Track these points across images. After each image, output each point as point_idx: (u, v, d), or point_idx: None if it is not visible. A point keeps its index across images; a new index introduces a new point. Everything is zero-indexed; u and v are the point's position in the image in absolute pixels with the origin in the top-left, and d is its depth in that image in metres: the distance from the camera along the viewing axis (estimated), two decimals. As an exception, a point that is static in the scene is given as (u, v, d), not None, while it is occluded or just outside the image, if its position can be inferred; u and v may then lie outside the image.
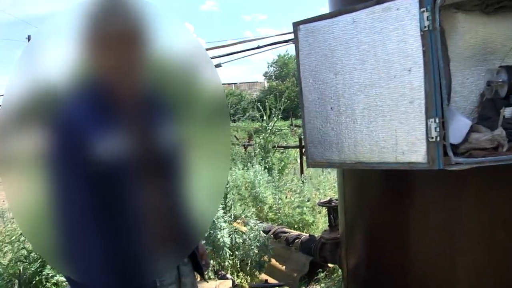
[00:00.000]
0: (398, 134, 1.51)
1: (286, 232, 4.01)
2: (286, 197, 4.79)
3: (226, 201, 4.56)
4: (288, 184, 5.08)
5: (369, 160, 1.61)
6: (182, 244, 1.12)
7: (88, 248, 0.98)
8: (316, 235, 3.60)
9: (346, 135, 1.67)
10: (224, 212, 4.35)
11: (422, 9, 1.40)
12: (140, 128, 1.00)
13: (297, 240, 3.73)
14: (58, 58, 0.96)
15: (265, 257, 3.84)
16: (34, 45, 0.99)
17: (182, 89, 1.10)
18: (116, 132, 0.96)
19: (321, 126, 1.77)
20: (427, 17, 1.39)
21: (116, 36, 0.96)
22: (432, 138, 1.42)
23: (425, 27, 1.41)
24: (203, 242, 3.95)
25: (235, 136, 13.20)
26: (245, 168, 6.71)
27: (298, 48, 1.83)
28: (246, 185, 5.58)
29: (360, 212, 2.21)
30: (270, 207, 4.82)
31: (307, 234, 3.73)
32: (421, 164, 1.46)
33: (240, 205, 4.83)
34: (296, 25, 1.83)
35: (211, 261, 3.89)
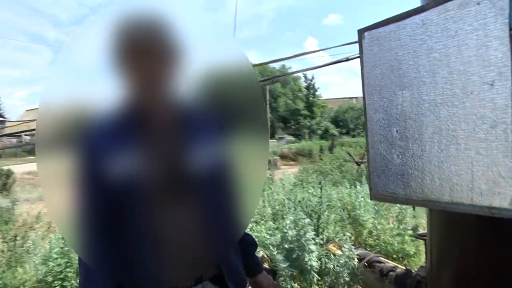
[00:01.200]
0: (475, 168, 1.14)
1: (381, 262, 3.59)
2: (387, 223, 4.32)
3: (319, 222, 4.31)
4: (391, 208, 4.58)
5: (438, 199, 1.26)
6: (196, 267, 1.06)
7: (102, 266, 0.97)
8: (413, 270, 3.13)
9: (413, 165, 1.35)
10: (315, 234, 4.11)
11: None
12: (175, 148, 0.96)
13: (391, 273, 3.29)
14: (90, 73, 0.95)
15: (356, 287, 3.49)
16: (66, 59, 0.97)
17: (226, 105, 1.04)
18: (148, 152, 0.93)
19: (386, 153, 1.47)
20: (518, 11, 1.03)
21: (149, 52, 0.93)
22: (524, 176, 1.03)
23: (515, 25, 1.04)
24: (287, 263, 3.78)
25: (348, 153, 12.72)
26: (352, 187, 6.34)
27: (363, 60, 1.56)
28: (348, 206, 5.24)
29: (447, 252, 1.80)
30: (370, 232, 4.41)
31: (404, 268, 3.27)
32: (506, 211, 1.07)
33: (336, 227, 4.53)
34: (361, 32, 1.56)
35: (296, 285, 3.68)
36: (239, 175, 1.05)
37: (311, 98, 46.88)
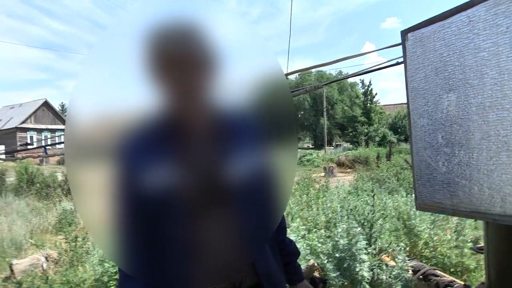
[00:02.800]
0: (529, 177, 1.04)
1: (437, 276, 3.37)
2: (445, 234, 4.06)
3: (371, 232, 4.15)
4: (449, 219, 4.30)
5: (488, 210, 1.16)
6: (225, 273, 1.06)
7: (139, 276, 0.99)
8: (472, 286, 2.90)
9: (460, 174, 1.25)
10: (367, 243, 3.97)
11: None
12: (211, 159, 0.94)
13: None
14: (124, 83, 0.94)
15: (410, 301, 3.31)
16: (96, 66, 0.96)
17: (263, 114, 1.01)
18: (184, 163, 0.92)
19: (430, 160, 1.37)
20: None
21: (185, 61, 0.91)
22: None
23: None
24: (338, 273, 3.67)
25: (405, 160, 12.18)
26: (409, 195, 6.07)
27: (406, 62, 1.48)
28: (403, 215, 5.01)
29: (508, 268, 1.64)
30: (426, 243, 4.17)
31: (462, 283, 3.05)
32: None
33: (390, 237, 4.33)
34: (404, 33, 1.48)
35: (346, 296, 3.57)
36: (277, 185, 1.04)
37: (368, 105, 45.66)
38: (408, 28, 1.47)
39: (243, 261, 1.08)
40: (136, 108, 0.91)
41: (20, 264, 5.35)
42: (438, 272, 3.49)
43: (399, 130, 40.75)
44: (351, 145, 40.12)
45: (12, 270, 5.30)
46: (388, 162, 15.43)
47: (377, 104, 46.52)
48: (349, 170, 21.56)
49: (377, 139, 38.68)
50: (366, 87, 46.21)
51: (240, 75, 0.96)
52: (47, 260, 5.51)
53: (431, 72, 1.35)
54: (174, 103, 0.90)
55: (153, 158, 0.90)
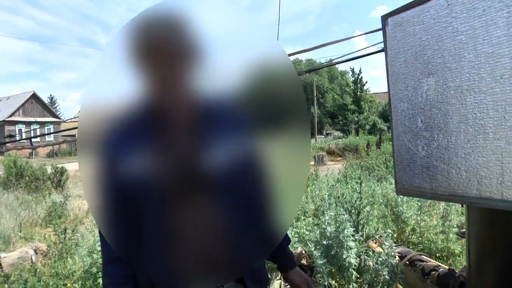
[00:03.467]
0: (505, 159, 1.04)
1: (423, 261, 3.41)
2: (431, 219, 4.10)
3: (359, 219, 4.19)
4: (435, 205, 4.35)
5: (465, 194, 1.16)
6: (223, 272, 1.02)
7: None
8: (457, 270, 2.95)
9: (438, 157, 1.25)
10: (354, 230, 4.00)
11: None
12: (192, 147, 0.94)
13: (433, 272, 3.11)
14: (112, 73, 0.96)
15: (396, 285, 3.36)
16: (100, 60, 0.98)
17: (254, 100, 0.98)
18: (164, 151, 0.93)
19: (410, 144, 1.38)
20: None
21: (167, 51, 0.91)
22: (562, 168, 0.93)
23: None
24: (325, 260, 3.71)
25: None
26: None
27: (387, 47, 1.47)
28: (392, 202, 5.05)
29: (489, 250, 1.67)
30: (413, 229, 4.21)
31: (447, 267, 3.09)
32: (539, 206, 0.97)
33: (378, 223, 4.38)
34: (384, 18, 1.48)
35: (333, 282, 3.61)
36: (272, 176, 0.99)
37: (358, 93, 45.74)
38: (388, 13, 1.46)
39: (225, 255, 1.01)
40: (118, 98, 0.92)
41: (9, 258, 5.30)
42: (424, 257, 3.53)
43: (389, 118, 40.95)
44: (341, 134, 40.25)
45: (0, 264, 5.26)
46: (378, 150, 15.52)
47: (368, 92, 46.63)
48: (339, 158, 21.65)
49: (367, 127, 38.88)
50: (356, 76, 46.28)
51: (226, 63, 0.95)
52: (36, 253, 5.48)
53: (410, 56, 1.35)
54: (155, 93, 0.90)
55: (134, 146, 0.91)
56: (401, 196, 4.60)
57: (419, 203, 4.26)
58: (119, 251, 1.00)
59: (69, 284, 3.86)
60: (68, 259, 4.56)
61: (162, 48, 0.90)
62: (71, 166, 14.07)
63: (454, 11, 1.17)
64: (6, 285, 4.14)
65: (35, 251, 5.50)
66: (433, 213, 4.23)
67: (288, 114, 0.98)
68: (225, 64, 0.95)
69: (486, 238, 1.70)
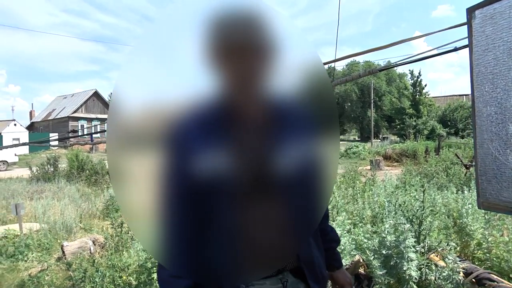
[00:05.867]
0: None
1: (493, 281, 3.12)
2: (501, 234, 3.76)
3: (420, 229, 3.94)
4: (506, 219, 3.98)
5: None
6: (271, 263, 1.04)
7: (186, 265, 0.98)
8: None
9: (535, 169, 1.09)
10: (415, 241, 3.78)
11: None
12: (264, 147, 0.95)
13: (506, 295, 2.84)
14: (181, 69, 0.94)
15: (459, 306, 3.11)
16: (147, 53, 0.96)
17: (315, 104, 1.02)
18: (237, 150, 0.93)
19: (498, 153, 1.22)
20: None
21: (245, 50, 0.92)
22: None
23: None
24: (384, 271, 3.52)
25: (455, 154, 11.57)
26: (459, 192, 5.75)
27: (472, 44, 1.32)
28: (454, 213, 4.72)
29: None
30: (479, 244, 3.89)
31: (522, 291, 2.80)
32: None
33: (439, 235, 4.10)
34: (470, 11, 1.33)
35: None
36: (323, 178, 1.04)
37: (417, 96, 43.91)
38: (476, 4, 1.31)
39: (289, 252, 1.06)
40: (191, 94, 0.91)
41: (70, 246, 5.58)
42: (494, 276, 3.24)
43: (449, 123, 38.92)
44: (398, 138, 38.87)
45: (63, 252, 5.55)
46: (437, 156, 14.77)
47: (426, 96, 44.65)
48: (396, 163, 20.88)
49: (426, 132, 37.19)
50: (415, 78, 44.44)
51: (291, 65, 0.97)
52: (94, 244, 5.72)
53: (502, 53, 1.20)
54: (231, 91, 0.90)
55: (206, 144, 0.90)
56: (480, 209, 4.29)
57: (486, 216, 3.94)
58: (180, 260, 0.97)
59: (124, 277, 3.97)
60: (124, 252, 4.70)
61: (241, 46, 0.90)
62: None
63: (562, 1, 1.01)
64: (70, 272, 4.35)
65: (93, 242, 5.75)
66: (503, 227, 3.88)
67: (332, 117, 1.04)
68: (290, 65, 0.96)
69: None
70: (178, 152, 0.91)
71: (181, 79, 0.92)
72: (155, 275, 3.50)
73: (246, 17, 0.92)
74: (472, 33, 1.32)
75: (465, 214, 4.14)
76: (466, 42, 1.44)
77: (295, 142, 0.96)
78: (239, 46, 0.90)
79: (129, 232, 5.17)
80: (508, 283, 3.08)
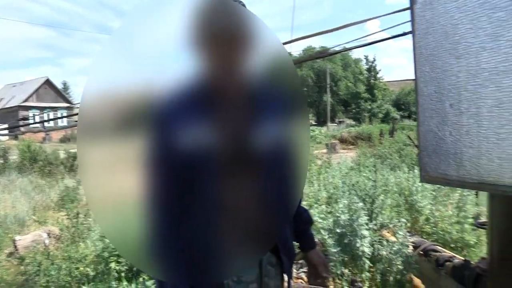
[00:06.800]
0: (543, 145, 0.97)
1: (437, 251, 3.35)
2: (446, 209, 4.03)
3: (373, 207, 4.13)
4: (451, 195, 4.26)
5: (497, 182, 1.10)
6: (262, 242, 1.09)
7: (170, 244, 0.99)
8: (472, 262, 2.88)
9: (467, 143, 1.18)
10: (368, 219, 3.95)
11: None
12: (243, 124, 1.01)
13: (448, 263, 3.06)
14: (161, 53, 0.97)
15: (409, 275, 3.31)
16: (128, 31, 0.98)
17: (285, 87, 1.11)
18: (218, 127, 0.98)
19: (437, 129, 1.31)
20: None
21: (228, 35, 0.98)
22: None
23: None
24: (339, 248, 3.67)
25: (408, 136, 12.12)
26: (411, 171, 6.04)
27: (415, 27, 1.40)
28: (405, 191, 4.98)
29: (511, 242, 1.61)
30: (427, 219, 4.14)
31: (462, 258, 3.02)
32: None
33: (391, 213, 4.32)
34: (412, -4, 1.40)
35: (346, 270, 3.57)
36: (297, 154, 1.10)
37: (372, 81, 45.16)
38: (417, -10, 1.38)
39: (273, 227, 1.11)
40: (173, 76, 0.96)
41: (23, 240, 5.39)
42: (438, 247, 3.47)
43: (402, 106, 40.49)
44: (354, 122, 39.96)
45: (15, 246, 5.34)
46: (391, 138, 15.35)
47: (381, 81, 46.05)
48: (351, 146, 21.50)
49: (380, 115, 38.48)
50: (370, 63, 45.64)
51: (263, 51, 1.04)
52: (49, 237, 5.55)
53: (440, 36, 1.27)
54: (213, 72, 0.97)
55: (188, 121, 0.95)
56: (422, 186, 4.53)
57: (434, 193, 4.19)
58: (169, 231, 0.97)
59: (81, 268, 3.89)
60: (81, 243, 4.60)
61: (224, 31, 0.98)
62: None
63: (491, -15, 1.09)
64: (22, 267, 4.20)
65: (48, 234, 5.58)
66: (448, 203, 4.14)
67: (300, 99, 1.13)
68: (263, 51, 1.04)
69: (509, 229, 1.64)
70: (162, 128, 0.94)
71: (164, 62, 0.97)
72: (112, 264, 3.46)
73: (225, 6, 1.01)
74: (414, 17, 1.39)
75: (415, 192, 4.38)
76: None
77: (271, 120, 1.03)
78: (220, 32, 0.97)
79: (85, 223, 5.05)
80: (450, 252, 3.32)
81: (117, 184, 0.95)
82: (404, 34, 2.71)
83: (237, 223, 1.02)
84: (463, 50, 1.19)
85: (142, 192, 0.95)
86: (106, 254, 3.60)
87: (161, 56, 0.96)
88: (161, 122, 0.94)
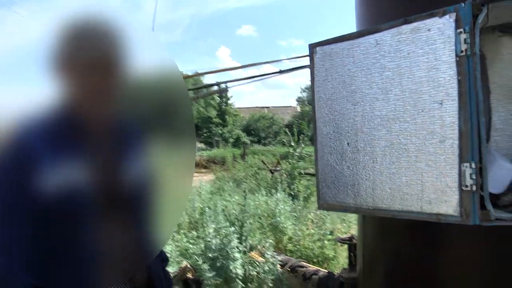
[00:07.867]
0: (424, 179, 1.25)
1: (303, 266, 3.72)
2: (307, 228, 4.50)
3: (242, 230, 4.33)
4: (310, 215, 4.78)
5: (389, 208, 1.35)
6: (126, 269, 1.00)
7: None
8: (335, 273, 3.31)
9: (364, 176, 1.42)
10: (239, 242, 4.12)
11: (459, 30, 1.17)
12: (109, 159, 0.90)
13: (314, 276, 3.43)
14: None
15: (280, 293, 3.56)
16: None
17: (158, 117, 1.01)
18: (85, 162, 0.86)
19: (336, 164, 1.53)
20: (465, 39, 1.15)
21: (90, 62, 0.86)
22: (467, 186, 1.15)
23: (461, 51, 1.16)
24: (214, 273, 3.74)
25: (262, 161, 13.03)
26: (269, 194, 6.48)
27: (314, 73, 1.62)
28: (267, 213, 5.34)
29: (380, 254, 1.93)
30: (290, 238, 4.54)
31: (326, 271, 3.44)
32: (451, 217, 1.19)
33: (256, 234, 4.59)
34: (312, 47, 1.62)
35: (221, 294, 3.64)
36: (162, 189, 1.01)
37: (223, 106, 47.18)
38: (316, 42, 1.60)
39: (141, 264, 1.06)
40: (31, 105, 0.83)
41: None
42: (303, 263, 3.85)
43: (252, 132, 43.18)
44: (205, 146, 40.86)
45: None
46: (244, 162, 16.21)
47: (232, 107, 48.45)
48: (204, 170, 21.89)
49: (231, 140, 40.28)
50: (221, 89, 47.63)
51: (136, 74, 0.94)
52: None
53: (338, 84, 1.51)
54: (77, 101, 0.85)
55: (51, 157, 0.83)
56: (286, 206, 4.94)
57: (295, 215, 4.62)
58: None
59: None
60: None
61: (90, 58, 0.86)
62: None
63: (382, 50, 1.36)
64: None
65: None
66: (308, 222, 4.63)
67: (177, 125, 1.03)
68: (135, 75, 0.93)
69: (377, 244, 1.96)
70: (20, 166, 0.81)
71: (22, 88, 0.83)
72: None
73: (98, 31, 0.89)
74: (314, 64, 1.61)
75: (278, 214, 4.76)
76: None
77: (132, 154, 0.94)
78: (89, 59, 0.86)
79: None
80: (313, 266, 3.72)
81: None
82: (253, 65, 2.99)
83: (106, 265, 0.94)
84: (359, 98, 1.44)
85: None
86: None
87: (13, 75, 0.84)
88: (17, 155, 0.82)
